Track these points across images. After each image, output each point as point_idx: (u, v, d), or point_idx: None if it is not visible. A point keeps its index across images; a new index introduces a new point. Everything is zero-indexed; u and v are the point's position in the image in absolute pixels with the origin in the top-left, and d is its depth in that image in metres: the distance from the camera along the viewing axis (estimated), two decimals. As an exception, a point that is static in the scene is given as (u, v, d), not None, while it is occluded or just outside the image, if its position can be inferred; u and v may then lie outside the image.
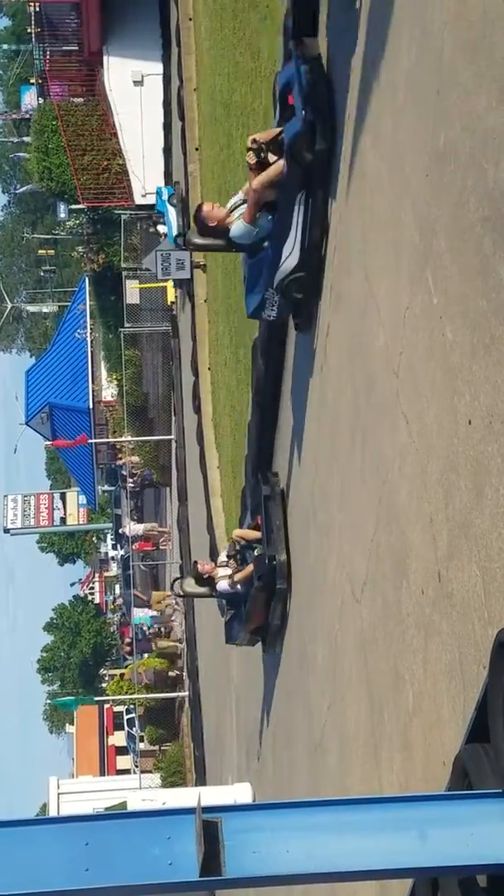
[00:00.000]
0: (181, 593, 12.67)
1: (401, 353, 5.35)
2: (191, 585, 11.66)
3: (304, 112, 6.94)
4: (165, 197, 22.02)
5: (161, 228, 23.35)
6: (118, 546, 44.83)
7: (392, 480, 5.56)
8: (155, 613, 29.76)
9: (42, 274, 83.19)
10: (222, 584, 10.86)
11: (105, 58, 28.66)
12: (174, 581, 13.94)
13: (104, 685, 54.72)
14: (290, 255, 7.63)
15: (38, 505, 43.49)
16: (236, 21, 12.19)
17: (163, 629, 34.44)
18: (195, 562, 11.86)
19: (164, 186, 23.09)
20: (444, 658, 4.61)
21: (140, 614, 29.78)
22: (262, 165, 7.48)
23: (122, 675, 35.30)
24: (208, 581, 11.18)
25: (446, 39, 4.50)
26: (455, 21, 4.38)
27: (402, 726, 5.43)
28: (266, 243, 7.90)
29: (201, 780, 23.19)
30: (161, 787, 26.42)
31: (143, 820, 3.28)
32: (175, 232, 20.61)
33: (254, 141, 7.53)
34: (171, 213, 21.21)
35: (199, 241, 8.82)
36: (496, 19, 3.94)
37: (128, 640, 30.33)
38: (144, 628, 29.58)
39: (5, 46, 66.24)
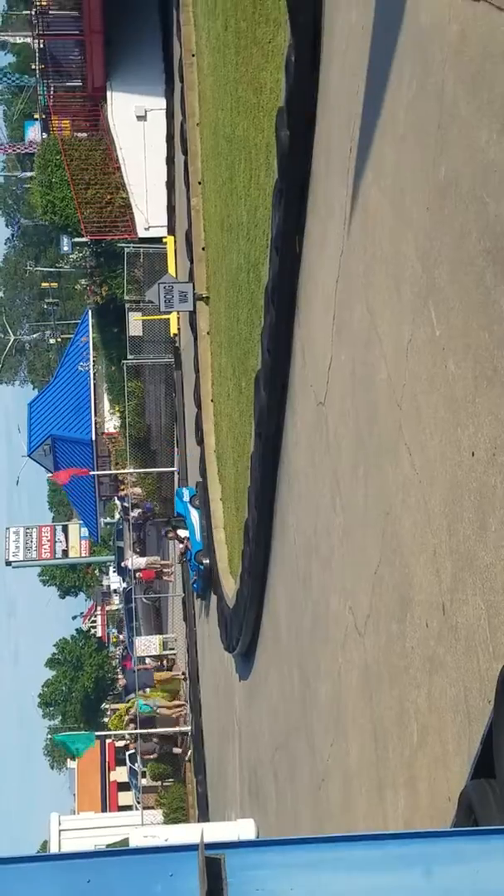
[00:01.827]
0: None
1: (403, 384, 5.35)
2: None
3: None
4: (186, 498, 19.47)
5: (182, 533, 19.72)
6: (121, 572, 44.66)
7: (395, 512, 5.54)
8: (162, 705, 28.70)
9: (45, 306, 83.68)
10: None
11: (108, 93, 28.96)
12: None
13: (106, 720, 54.42)
14: None
15: (39, 537, 43.47)
16: (239, 57, 12.30)
17: (165, 662, 34.22)
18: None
19: (184, 487, 20.19)
20: (449, 692, 4.57)
21: (143, 700, 28.72)
22: None
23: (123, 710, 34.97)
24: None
25: (447, 73, 4.53)
26: (456, 56, 4.42)
27: (407, 761, 5.38)
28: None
29: (204, 817, 23.00)
30: (163, 824, 26.18)
31: (145, 857, 3.24)
32: (199, 535, 18.11)
33: None
34: (194, 516, 18.85)
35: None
36: (496, 54, 3.97)
37: (131, 718, 29.59)
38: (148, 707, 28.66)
39: (12, 72, 66.76)
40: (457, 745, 4.50)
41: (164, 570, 36.33)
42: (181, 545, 19.22)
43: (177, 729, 28.57)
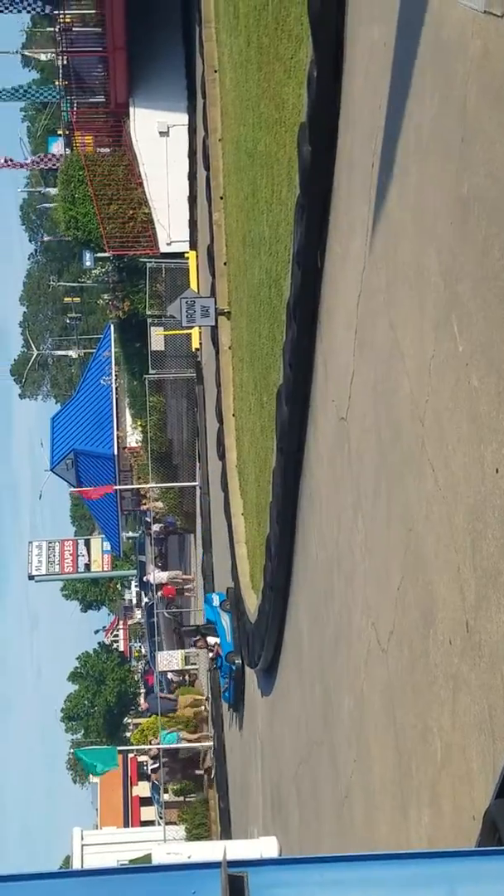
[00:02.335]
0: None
1: (426, 400, 5.33)
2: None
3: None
4: (216, 603, 18.27)
5: (211, 640, 18.17)
6: (142, 587, 44.60)
7: (418, 529, 5.52)
8: (185, 738, 28.08)
9: (68, 321, 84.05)
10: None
11: (131, 109, 29.12)
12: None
13: (128, 734, 54.36)
14: None
15: (62, 551, 43.56)
16: (261, 73, 12.34)
17: (187, 677, 34.15)
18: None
19: (213, 593, 19.01)
20: (473, 710, 4.54)
21: (168, 729, 28.01)
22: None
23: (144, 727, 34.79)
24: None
25: (470, 88, 4.52)
26: (479, 70, 4.41)
27: (431, 779, 5.34)
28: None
29: (226, 833, 22.92)
30: (186, 840, 26.09)
31: (167, 874, 3.23)
32: (230, 637, 17.04)
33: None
34: (225, 620, 17.58)
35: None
36: (520, 69, 3.96)
37: (153, 762, 29.25)
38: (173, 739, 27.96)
39: (38, 86, 67.32)
40: (481, 764, 4.46)
41: (186, 586, 36.31)
42: (211, 653, 18.27)
43: (200, 745, 28.47)
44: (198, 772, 28.93)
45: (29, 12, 36.87)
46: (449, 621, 4.91)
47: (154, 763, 29.82)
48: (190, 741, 28.39)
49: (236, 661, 16.98)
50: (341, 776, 8.32)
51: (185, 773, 29.28)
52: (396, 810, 6.20)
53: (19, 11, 34.92)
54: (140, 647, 64.75)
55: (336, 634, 8.53)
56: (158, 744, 28.18)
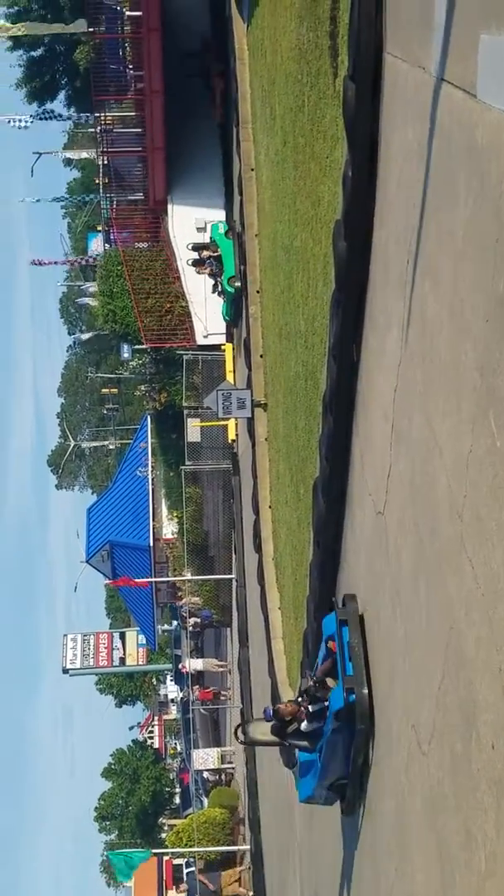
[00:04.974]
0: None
1: (464, 495, 5.26)
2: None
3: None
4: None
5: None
6: (178, 681, 43.84)
7: (459, 626, 5.39)
8: None
9: (105, 412, 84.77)
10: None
11: (169, 206, 29.69)
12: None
13: (163, 835, 53.12)
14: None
15: (97, 644, 43.17)
16: (297, 171, 12.55)
17: (223, 776, 33.45)
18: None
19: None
20: (519, 819, 4.37)
21: None
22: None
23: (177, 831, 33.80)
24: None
25: (504, 188, 4.54)
26: (513, 170, 4.43)
27: (475, 890, 5.13)
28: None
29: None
30: None
31: None
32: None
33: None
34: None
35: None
36: None
37: None
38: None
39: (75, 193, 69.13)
40: (528, 877, 4.28)
41: (222, 692, 35.76)
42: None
43: (236, 848, 27.59)
44: None
45: (75, 121, 37.99)
46: (491, 724, 4.76)
47: None
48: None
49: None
50: (383, 887, 8.04)
51: None
52: (439, 922, 5.95)
53: (61, 119, 35.95)
54: (175, 744, 63.70)
55: (376, 735, 8.32)
56: None
